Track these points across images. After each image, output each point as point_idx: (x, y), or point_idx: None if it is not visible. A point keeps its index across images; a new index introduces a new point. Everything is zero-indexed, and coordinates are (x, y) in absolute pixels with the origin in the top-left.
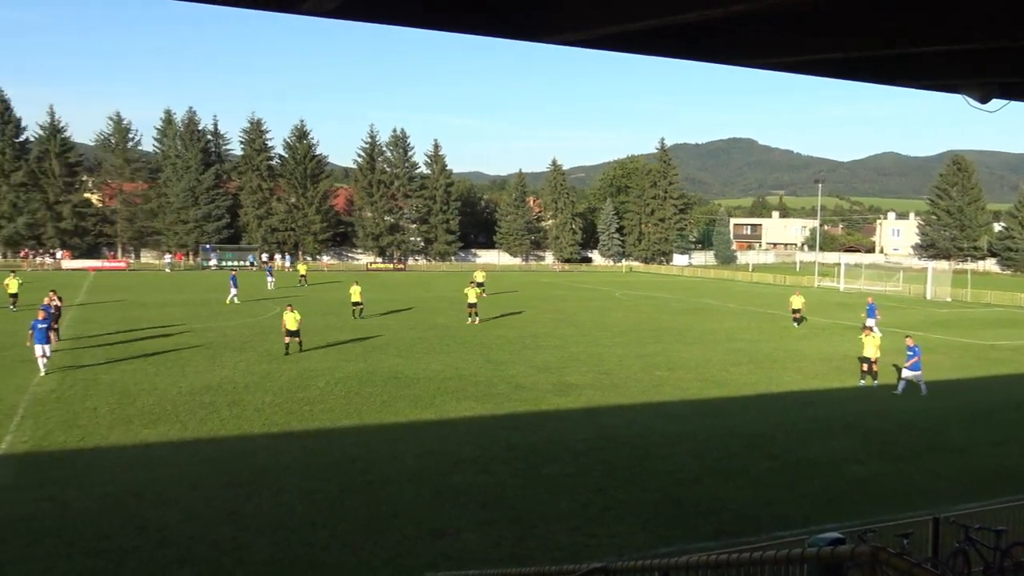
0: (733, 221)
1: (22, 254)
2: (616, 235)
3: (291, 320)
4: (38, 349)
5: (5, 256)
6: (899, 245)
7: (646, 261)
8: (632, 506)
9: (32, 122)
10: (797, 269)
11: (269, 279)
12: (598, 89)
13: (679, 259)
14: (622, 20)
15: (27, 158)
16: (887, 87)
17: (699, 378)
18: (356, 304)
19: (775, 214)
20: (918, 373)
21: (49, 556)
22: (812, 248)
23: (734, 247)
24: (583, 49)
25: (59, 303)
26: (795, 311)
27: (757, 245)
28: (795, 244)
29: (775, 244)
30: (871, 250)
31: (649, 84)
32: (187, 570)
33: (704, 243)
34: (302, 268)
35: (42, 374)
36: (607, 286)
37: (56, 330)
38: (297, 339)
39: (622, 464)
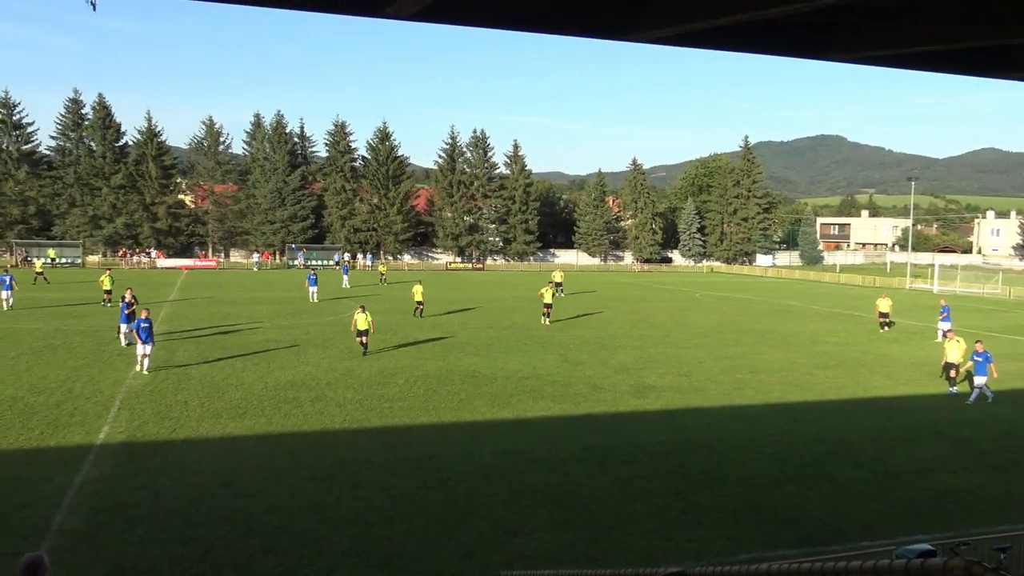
0: (820, 220)
1: (120, 253)
2: (697, 235)
3: (362, 320)
4: (139, 348)
5: (105, 255)
6: (998, 245)
7: (728, 262)
8: (710, 511)
9: (131, 127)
10: (888, 270)
11: (344, 278)
12: (680, 87)
13: (762, 260)
14: (709, 16)
15: (126, 161)
16: (987, 79)
17: (782, 381)
18: (419, 304)
19: (864, 213)
20: (983, 379)
21: (142, 542)
22: (904, 248)
23: (820, 247)
24: (666, 47)
25: (133, 301)
26: (883, 315)
27: (845, 245)
28: (886, 244)
29: (864, 244)
30: (968, 251)
31: (733, 81)
32: (271, 560)
33: (789, 243)
34: (382, 267)
35: (138, 369)
36: (687, 287)
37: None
38: (364, 339)
39: (700, 468)
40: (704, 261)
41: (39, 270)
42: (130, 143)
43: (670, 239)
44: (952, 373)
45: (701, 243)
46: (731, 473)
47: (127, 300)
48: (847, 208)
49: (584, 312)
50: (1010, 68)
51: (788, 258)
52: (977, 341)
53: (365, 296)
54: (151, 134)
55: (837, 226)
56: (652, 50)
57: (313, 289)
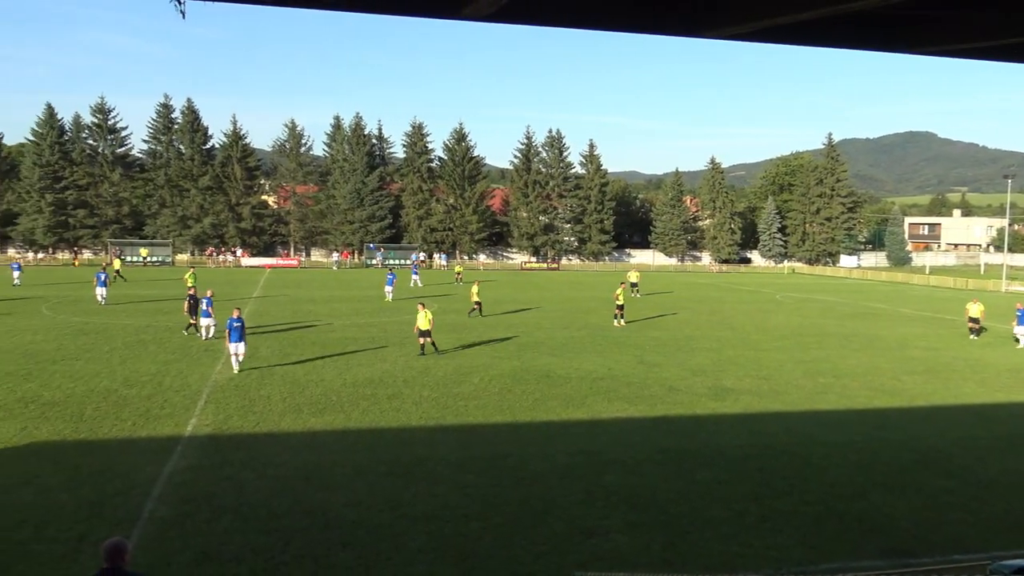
0: (908, 220)
1: (207, 252)
2: (778, 235)
3: (423, 320)
4: (231, 347)
5: (192, 254)
6: None
7: (810, 262)
8: (790, 517)
9: (217, 130)
10: (981, 272)
11: (414, 276)
12: (760, 83)
13: (846, 260)
14: (792, 11)
15: (212, 163)
16: None
17: (867, 386)
18: (476, 303)
19: (956, 212)
20: None
21: (227, 532)
22: (999, 249)
23: (909, 248)
24: (747, 43)
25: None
26: (973, 320)
27: (935, 246)
28: (979, 245)
29: (956, 245)
30: None
31: (815, 77)
32: (349, 553)
33: (875, 244)
34: (458, 267)
35: (234, 372)
36: (767, 288)
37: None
38: (429, 339)
39: (780, 473)
40: (785, 262)
41: (117, 268)
42: (216, 146)
43: (749, 239)
44: None
45: (782, 243)
46: (813, 479)
47: (202, 296)
48: (937, 207)
49: (660, 313)
50: None
51: (874, 259)
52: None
53: (439, 296)
54: (236, 137)
55: (927, 226)
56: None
57: (388, 288)
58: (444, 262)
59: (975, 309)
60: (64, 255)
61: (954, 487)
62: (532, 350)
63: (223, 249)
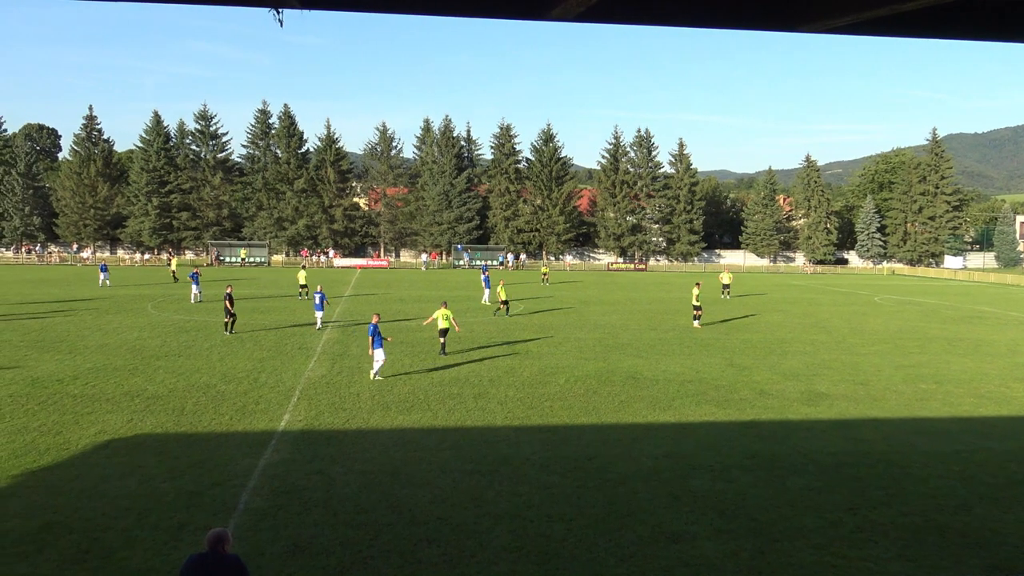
0: (1020, 219)
1: (303, 253)
2: (877, 235)
3: (442, 318)
4: (376, 354)
5: (287, 255)
6: None
7: (912, 263)
8: (887, 529)
9: (312, 134)
10: None
11: (483, 276)
12: (858, 78)
13: (951, 261)
14: (893, 1)
15: (307, 167)
16: None
17: (972, 393)
18: (503, 303)
19: None
20: None
21: (317, 524)
22: None
23: (1020, 248)
24: (844, 36)
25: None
26: None
27: None
28: None
29: None
30: None
31: (918, 70)
32: (434, 549)
33: (983, 244)
34: (544, 268)
35: (371, 377)
36: (865, 290)
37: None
38: (442, 339)
39: (877, 483)
40: (884, 263)
41: (173, 268)
42: (311, 149)
43: (846, 239)
44: None
45: (881, 243)
46: (912, 490)
47: (319, 290)
48: None
49: (751, 314)
50: None
51: (982, 260)
52: None
53: (532, 297)
54: (330, 140)
55: None
56: (826, 38)
57: (488, 291)
58: (522, 262)
59: None
60: (162, 256)
61: None
62: (618, 351)
63: (317, 250)
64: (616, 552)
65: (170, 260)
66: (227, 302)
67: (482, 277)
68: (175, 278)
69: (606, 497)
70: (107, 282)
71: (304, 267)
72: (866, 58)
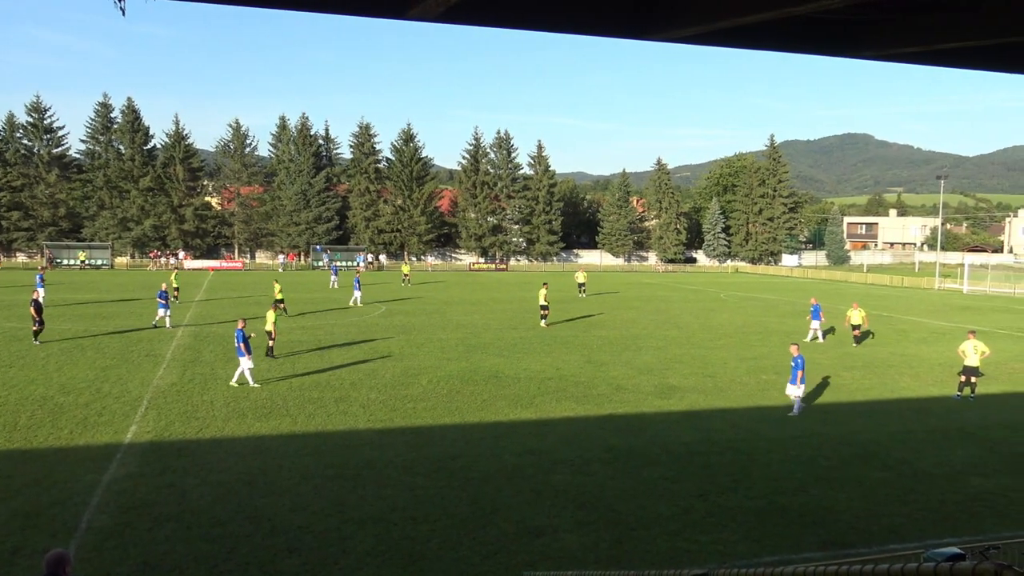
0: (847, 220)
1: (151, 255)
2: (722, 235)
3: (271, 319)
4: (243, 362)
5: (133, 256)
6: None
7: (753, 262)
8: (735, 513)
9: (159, 130)
10: (916, 270)
11: (333, 278)
12: (705, 86)
13: (788, 260)
14: (736, 14)
15: (154, 164)
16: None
17: (807, 382)
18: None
19: (892, 212)
20: (798, 388)
21: (168, 540)
22: (933, 248)
23: (847, 247)
24: (692, 45)
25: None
26: (855, 327)
27: (872, 245)
28: (914, 244)
29: (892, 244)
30: (998, 250)
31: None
32: (295, 558)
33: (815, 243)
34: (406, 268)
35: (233, 383)
36: (712, 287)
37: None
38: (270, 342)
39: (725, 469)
40: (729, 261)
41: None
42: (158, 146)
43: (695, 239)
44: (963, 378)
45: (726, 243)
46: (757, 475)
47: (164, 290)
48: (874, 207)
49: (607, 312)
50: None
51: (815, 258)
52: (792, 344)
53: (395, 299)
54: (179, 137)
55: (864, 225)
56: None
57: (357, 294)
58: (382, 263)
59: (856, 316)
60: None
61: (891, 479)
62: (480, 351)
63: (166, 251)
64: (480, 550)
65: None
66: (32, 309)
67: (333, 277)
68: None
69: (470, 496)
70: None
71: (176, 270)
72: (713, 67)
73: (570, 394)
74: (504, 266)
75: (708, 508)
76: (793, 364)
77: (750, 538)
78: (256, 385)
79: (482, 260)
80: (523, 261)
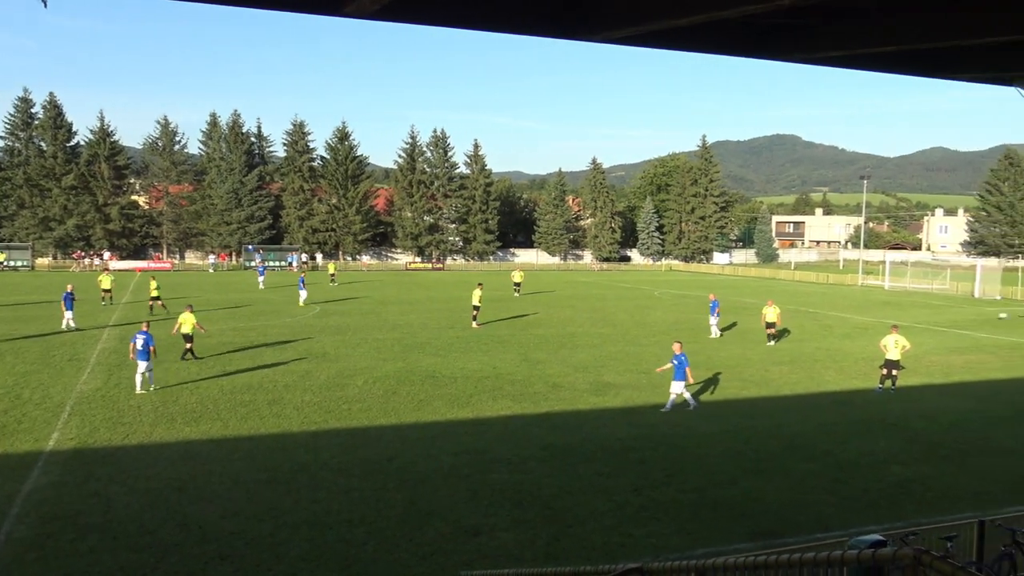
0: (775, 219)
1: (76, 255)
2: (656, 234)
3: (187, 323)
4: (140, 365)
5: (55, 257)
6: (947, 242)
7: (686, 260)
8: (668, 506)
9: (83, 127)
10: (840, 267)
11: (260, 279)
12: (639, 87)
13: (719, 258)
14: (667, 17)
15: (78, 162)
16: (937, 80)
17: (738, 377)
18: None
19: (818, 211)
20: (682, 384)
21: (93, 551)
22: (856, 246)
23: (776, 245)
24: (625, 47)
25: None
26: (769, 325)
27: (800, 243)
28: (839, 242)
29: (818, 242)
30: (917, 248)
31: (691, 81)
32: (227, 565)
33: (745, 241)
34: (332, 267)
35: (139, 391)
36: (646, 285)
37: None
38: (189, 345)
39: (659, 464)
40: (662, 260)
41: None
42: (82, 143)
43: (629, 238)
44: (885, 371)
45: (659, 242)
46: (689, 469)
47: (69, 291)
48: (802, 206)
49: (544, 311)
50: (962, 69)
51: (745, 256)
52: (676, 342)
53: (326, 301)
54: (104, 134)
55: (792, 224)
56: (612, 50)
57: (303, 293)
58: (319, 262)
59: (771, 313)
60: None
61: (817, 470)
62: (417, 351)
63: (90, 252)
64: (417, 551)
65: None
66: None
67: (260, 278)
68: None
69: (407, 497)
70: None
71: (107, 270)
72: (648, 68)
73: (507, 393)
74: (441, 265)
75: (642, 502)
76: (676, 363)
77: (683, 531)
78: (142, 392)
79: (419, 259)
80: (460, 260)
